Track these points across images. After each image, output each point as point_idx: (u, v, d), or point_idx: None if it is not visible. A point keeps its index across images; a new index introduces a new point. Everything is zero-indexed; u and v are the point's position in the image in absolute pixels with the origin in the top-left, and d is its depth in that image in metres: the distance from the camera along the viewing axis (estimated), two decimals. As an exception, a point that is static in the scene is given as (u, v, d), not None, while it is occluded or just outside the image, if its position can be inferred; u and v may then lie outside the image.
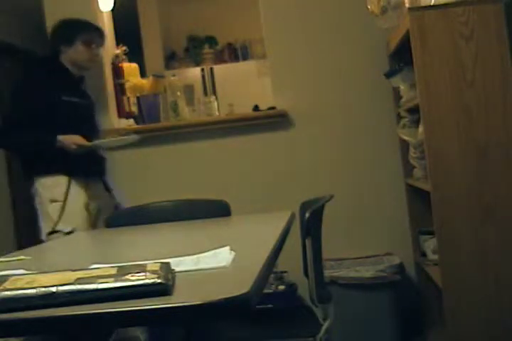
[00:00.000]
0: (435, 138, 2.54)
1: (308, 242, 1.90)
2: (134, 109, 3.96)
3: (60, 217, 3.01)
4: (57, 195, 3.06)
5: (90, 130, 3.24)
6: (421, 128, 2.69)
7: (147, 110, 3.77)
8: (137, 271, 1.24)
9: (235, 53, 6.58)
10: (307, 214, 1.85)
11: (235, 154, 3.64)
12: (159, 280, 1.17)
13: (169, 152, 3.68)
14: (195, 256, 1.55)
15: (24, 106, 3.06)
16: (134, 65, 4.06)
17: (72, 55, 3.18)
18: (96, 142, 3.12)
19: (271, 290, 3.30)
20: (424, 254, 3.14)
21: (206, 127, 3.67)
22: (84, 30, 3.20)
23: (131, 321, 1.16)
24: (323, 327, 1.97)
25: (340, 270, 3.20)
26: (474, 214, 2.52)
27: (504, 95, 2.52)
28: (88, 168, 3.18)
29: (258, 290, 1.22)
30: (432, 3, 2.59)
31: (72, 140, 3.02)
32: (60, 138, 3.02)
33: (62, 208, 3.03)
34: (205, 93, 5.87)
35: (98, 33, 3.27)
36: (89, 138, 3.09)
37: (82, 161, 3.09)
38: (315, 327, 1.97)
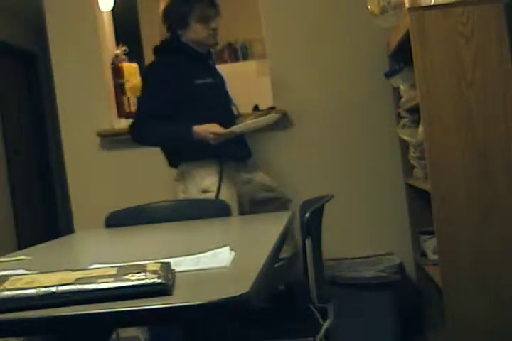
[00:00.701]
0: (435, 138, 2.54)
1: (308, 242, 1.90)
2: (134, 109, 3.96)
3: None
4: (209, 184, 2.86)
5: (226, 114, 3.01)
6: (421, 128, 2.69)
7: (147, 110, 3.77)
8: (137, 271, 1.24)
9: (235, 53, 6.58)
10: (307, 214, 1.85)
11: (235, 154, 3.64)
12: (159, 280, 1.17)
13: (169, 152, 3.67)
14: (195, 256, 1.55)
15: (158, 96, 2.88)
16: (134, 65, 4.06)
17: (192, 35, 3.01)
18: (234, 128, 2.85)
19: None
20: (424, 254, 3.14)
21: (206, 127, 3.66)
22: (194, 8, 2.99)
23: (131, 321, 1.16)
24: (323, 327, 1.97)
25: (341, 270, 3.20)
26: (474, 214, 2.52)
27: (504, 95, 2.52)
28: (238, 152, 2.97)
29: (258, 290, 1.22)
30: (431, 3, 2.59)
31: (208, 130, 2.78)
32: (195, 129, 2.80)
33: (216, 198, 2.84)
34: (205, 93, 5.87)
35: (209, 5, 3.04)
36: (225, 124, 2.85)
37: (231, 144, 2.88)
38: (315, 327, 1.97)
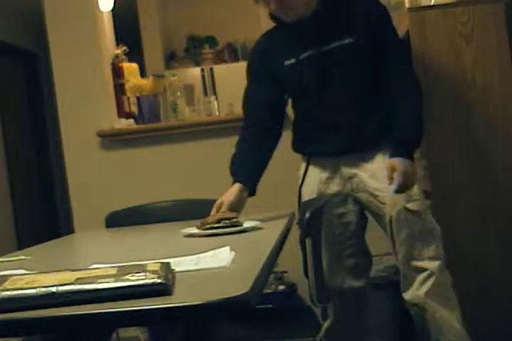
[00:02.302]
0: (435, 138, 2.54)
1: (308, 242, 1.90)
2: (134, 109, 3.96)
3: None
4: (299, 180, 2.60)
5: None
6: (421, 128, 2.69)
7: (147, 110, 3.78)
8: (137, 271, 1.24)
9: (235, 53, 6.59)
10: (307, 214, 1.85)
11: (235, 154, 3.64)
12: (159, 280, 1.17)
13: (169, 152, 3.68)
14: (195, 256, 1.55)
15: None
16: (134, 65, 4.06)
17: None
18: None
19: (271, 290, 3.30)
20: (424, 254, 3.14)
21: (206, 127, 3.67)
22: None
23: (131, 321, 1.16)
24: (323, 327, 1.97)
25: (340, 270, 3.20)
26: (474, 214, 2.52)
27: (504, 95, 2.52)
28: (322, 149, 2.45)
29: (258, 290, 1.22)
30: (431, 3, 2.59)
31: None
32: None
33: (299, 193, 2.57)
34: (205, 93, 5.88)
35: None
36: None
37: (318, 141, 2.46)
38: (315, 327, 1.98)
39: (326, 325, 2.13)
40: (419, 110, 2.27)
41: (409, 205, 2.25)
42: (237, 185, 2.39)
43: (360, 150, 2.34)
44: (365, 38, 2.26)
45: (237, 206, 2.32)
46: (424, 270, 2.24)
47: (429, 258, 2.25)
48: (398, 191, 2.16)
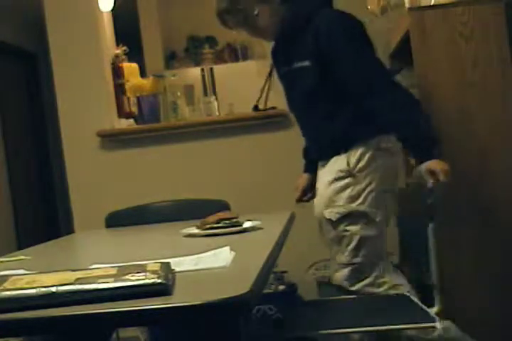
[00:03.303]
0: (435, 138, 2.54)
1: (431, 228, 1.94)
2: (134, 109, 3.96)
3: None
4: None
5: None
6: (421, 128, 2.69)
7: (147, 110, 3.78)
8: (137, 271, 1.24)
9: (235, 53, 6.58)
10: (430, 200, 1.88)
11: (235, 154, 3.64)
12: (159, 280, 1.17)
13: (169, 152, 3.68)
14: (195, 256, 1.55)
15: None
16: (134, 65, 4.06)
17: None
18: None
19: (271, 290, 3.30)
20: (424, 254, 3.14)
21: (206, 127, 3.67)
22: None
23: (131, 321, 1.16)
24: (432, 314, 1.97)
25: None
26: (474, 214, 2.52)
27: (504, 95, 2.52)
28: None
29: (258, 290, 1.22)
30: (431, 3, 2.59)
31: None
32: None
33: None
34: (205, 93, 5.87)
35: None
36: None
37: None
38: (425, 315, 1.97)
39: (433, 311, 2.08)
40: (406, 115, 2.28)
41: (325, 212, 2.36)
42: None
43: (321, 159, 2.51)
44: (320, 61, 2.33)
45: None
46: None
47: (340, 264, 2.35)
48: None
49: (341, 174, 2.34)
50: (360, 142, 2.33)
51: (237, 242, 1.89)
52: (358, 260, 2.31)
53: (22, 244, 5.28)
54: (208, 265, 1.44)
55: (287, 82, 2.53)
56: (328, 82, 2.36)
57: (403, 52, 2.87)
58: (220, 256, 1.52)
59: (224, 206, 2.73)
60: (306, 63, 2.37)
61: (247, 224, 2.14)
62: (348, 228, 2.31)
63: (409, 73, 2.86)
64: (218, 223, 2.11)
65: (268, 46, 3.67)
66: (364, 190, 2.31)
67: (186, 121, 3.71)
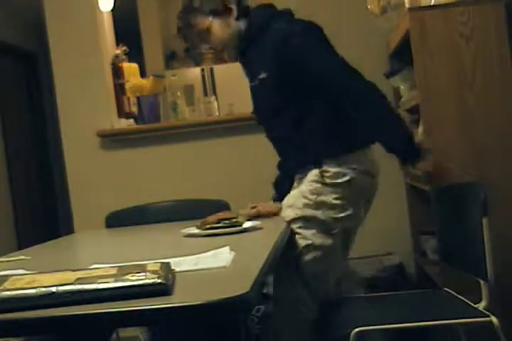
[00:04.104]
0: (435, 138, 2.54)
1: (485, 222, 1.96)
2: (134, 109, 3.96)
3: None
4: None
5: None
6: (421, 128, 2.69)
7: (147, 110, 3.78)
8: (137, 271, 1.24)
9: (235, 53, 6.58)
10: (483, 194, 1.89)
11: (235, 154, 3.64)
12: (159, 280, 1.17)
13: (169, 152, 3.68)
14: (195, 256, 1.55)
15: None
16: (134, 65, 4.06)
17: None
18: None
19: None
20: (424, 254, 3.14)
21: (206, 127, 3.67)
22: None
23: (131, 321, 1.16)
24: (481, 309, 1.97)
25: (341, 270, 3.20)
26: (474, 214, 2.51)
27: (504, 95, 2.52)
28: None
29: (258, 290, 1.22)
30: (431, 3, 2.59)
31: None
32: None
33: None
34: (205, 93, 5.87)
35: None
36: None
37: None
38: (474, 310, 1.98)
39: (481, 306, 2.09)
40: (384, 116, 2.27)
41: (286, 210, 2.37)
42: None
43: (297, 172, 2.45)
44: (279, 73, 2.29)
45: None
46: None
47: None
48: None
49: (313, 180, 2.31)
50: (333, 159, 2.30)
51: (237, 242, 1.89)
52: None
53: (22, 244, 5.28)
54: (207, 265, 1.44)
55: (253, 96, 2.50)
56: (290, 91, 2.32)
57: (403, 52, 2.87)
58: (220, 256, 1.52)
59: (224, 206, 2.73)
60: (264, 75, 2.34)
61: (247, 224, 2.14)
62: (300, 231, 2.28)
63: (409, 73, 2.86)
64: (218, 223, 2.11)
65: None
66: (328, 200, 2.28)
67: (186, 121, 3.71)
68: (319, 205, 2.28)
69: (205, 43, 2.50)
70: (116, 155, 3.68)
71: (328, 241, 2.28)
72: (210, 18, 2.39)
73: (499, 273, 2.07)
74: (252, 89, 2.48)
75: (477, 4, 2.52)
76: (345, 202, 2.29)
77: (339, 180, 2.28)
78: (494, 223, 2.53)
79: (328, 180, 2.28)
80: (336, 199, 2.28)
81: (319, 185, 2.29)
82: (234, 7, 2.41)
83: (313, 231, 2.28)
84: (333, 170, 2.29)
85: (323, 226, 2.28)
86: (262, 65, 2.36)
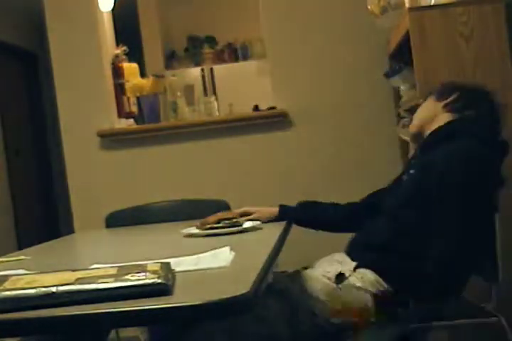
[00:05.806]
0: (435, 138, 2.53)
1: (497, 218, 1.95)
2: (134, 109, 3.96)
3: None
4: None
5: None
6: (421, 128, 2.69)
7: (147, 110, 3.78)
8: (137, 271, 1.24)
9: (235, 53, 6.58)
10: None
11: (235, 154, 3.64)
12: (159, 280, 1.17)
13: (169, 152, 3.68)
14: (195, 256, 1.55)
15: None
16: (134, 65, 4.06)
17: None
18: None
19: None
20: (424, 254, 3.14)
21: (206, 127, 3.67)
22: None
23: (131, 321, 1.16)
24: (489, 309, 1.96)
25: (340, 270, 3.20)
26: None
27: (504, 95, 2.52)
28: None
29: (258, 290, 1.22)
30: (431, 3, 2.59)
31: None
32: None
33: None
34: (205, 93, 5.87)
35: None
36: None
37: None
38: (481, 310, 1.98)
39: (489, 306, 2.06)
40: None
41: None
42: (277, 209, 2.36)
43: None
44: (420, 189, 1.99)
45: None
46: None
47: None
48: None
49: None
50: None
51: (237, 242, 1.89)
52: None
53: (22, 244, 5.28)
54: (208, 265, 1.44)
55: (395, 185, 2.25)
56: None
57: (403, 52, 2.87)
58: (220, 256, 1.52)
59: (224, 206, 2.73)
60: (412, 171, 2.07)
61: (247, 224, 2.14)
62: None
63: (409, 73, 2.86)
64: (218, 223, 2.11)
65: (268, 46, 3.67)
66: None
67: (186, 121, 3.71)
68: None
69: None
70: (116, 155, 3.68)
71: None
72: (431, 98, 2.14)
73: (508, 273, 2.06)
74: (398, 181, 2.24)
75: (477, 4, 2.52)
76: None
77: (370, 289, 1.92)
78: (497, 223, 2.53)
79: (360, 285, 1.92)
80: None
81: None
82: None
83: None
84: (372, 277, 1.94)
85: None
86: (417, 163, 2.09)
